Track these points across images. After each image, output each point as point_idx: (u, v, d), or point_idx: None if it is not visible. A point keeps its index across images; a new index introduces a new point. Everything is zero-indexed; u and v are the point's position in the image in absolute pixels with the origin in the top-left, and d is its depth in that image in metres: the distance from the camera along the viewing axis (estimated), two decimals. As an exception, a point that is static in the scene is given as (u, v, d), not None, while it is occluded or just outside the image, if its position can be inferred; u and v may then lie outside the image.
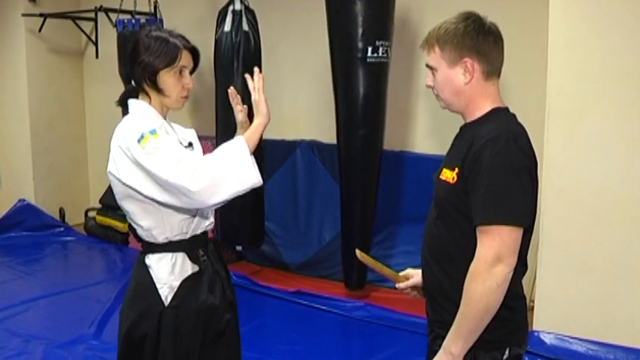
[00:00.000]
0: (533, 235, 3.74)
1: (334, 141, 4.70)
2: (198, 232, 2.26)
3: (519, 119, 1.86)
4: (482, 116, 1.82)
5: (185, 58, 2.22)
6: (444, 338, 1.79)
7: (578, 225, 3.74)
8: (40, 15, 6.39)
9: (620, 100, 3.60)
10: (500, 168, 1.68)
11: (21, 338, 4.06)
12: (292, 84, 5.67)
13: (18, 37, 6.69)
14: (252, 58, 4.82)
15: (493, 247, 1.67)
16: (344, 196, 4.64)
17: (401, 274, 2.11)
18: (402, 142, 5.13)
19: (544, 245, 3.84)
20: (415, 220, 4.35)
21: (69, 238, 6.59)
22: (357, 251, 2.12)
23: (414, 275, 2.07)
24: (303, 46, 5.56)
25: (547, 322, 3.83)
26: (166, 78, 2.18)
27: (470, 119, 1.86)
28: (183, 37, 2.25)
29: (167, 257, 2.20)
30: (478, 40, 1.78)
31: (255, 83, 2.20)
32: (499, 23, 1.85)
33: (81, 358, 3.81)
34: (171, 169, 1.99)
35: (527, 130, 1.81)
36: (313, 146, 5.39)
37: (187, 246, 2.22)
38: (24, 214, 6.66)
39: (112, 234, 6.35)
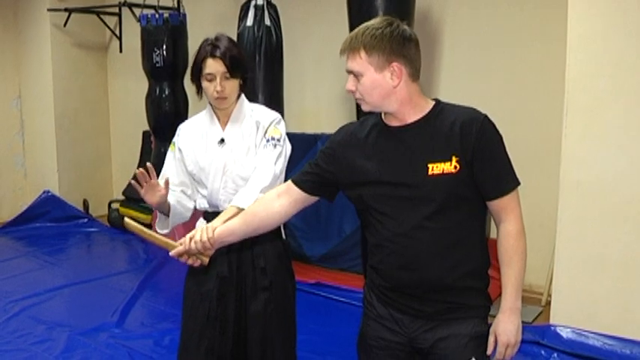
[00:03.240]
0: (550, 229, 3.72)
1: (354, 134, 4.71)
2: (217, 210, 2.52)
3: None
4: (434, 109, 1.89)
5: (211, 66, 2.40)
6: (467, 318, 1.92)
7: (595, 219, 3.72)
8: (65, 10, 6.49)
9: (638, 94, 3.58)
10: (501, 141, 1.88)
11: (45, 325, 4.15)
12: (313, 78, 5.70)
13: (43, 32, 6.81)
14: (274, 53, 4.87)
15: (519, 207, 1.91)
16: (363, 190, 4.64)
17: (177, 242, 2.08)
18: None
19: (561, 239, 3.84)
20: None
21: (92, 229, 6.71)
22: (125, 219, 2.11)
23: (186, 242, 2.05)
24: (324, 40, 5.58)
25: (564, 316, 3.83)
26: (202, 83, 2.46)
27: (414, 117, 1.88)
28: (214, 45, 2.40)
29: (200, 218, 2.63)
30: (404, 45, 1.84)
31: None
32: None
33: (103, 346, 3.88)
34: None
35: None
36: (333, 139, 5.39)
37: (205, 216, 2.59)
38: (48, 205, 6.79)
39: (134, 225, 6.42)
